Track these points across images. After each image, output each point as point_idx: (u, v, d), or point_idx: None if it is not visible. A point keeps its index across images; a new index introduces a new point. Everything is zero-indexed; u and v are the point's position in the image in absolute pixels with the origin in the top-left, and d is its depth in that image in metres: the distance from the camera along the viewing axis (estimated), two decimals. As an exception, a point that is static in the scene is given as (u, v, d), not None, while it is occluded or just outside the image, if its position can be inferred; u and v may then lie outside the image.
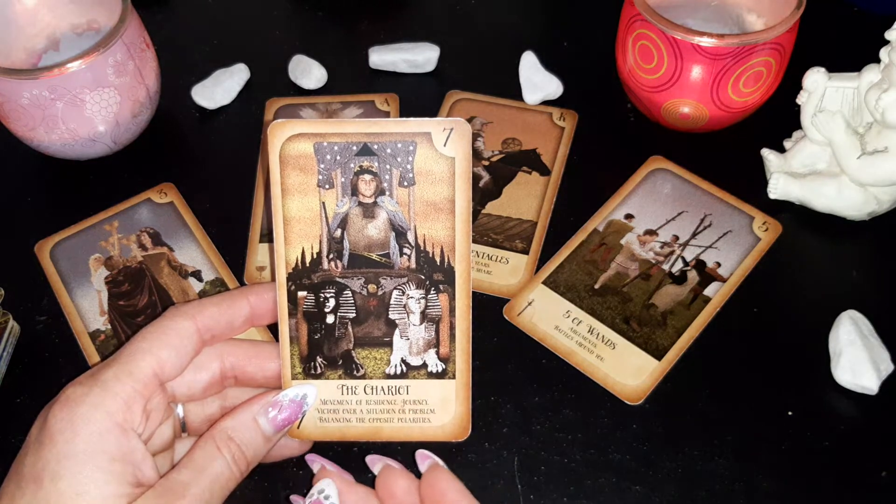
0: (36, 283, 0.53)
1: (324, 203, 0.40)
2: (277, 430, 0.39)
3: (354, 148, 0.39)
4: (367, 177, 0.39)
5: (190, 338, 0.39)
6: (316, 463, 0.42)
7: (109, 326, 0.51)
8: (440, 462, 0.41)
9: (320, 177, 0.39)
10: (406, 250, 0.40)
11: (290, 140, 0.39)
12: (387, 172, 0.39)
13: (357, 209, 0.40)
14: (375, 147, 0.39)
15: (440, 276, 0.40)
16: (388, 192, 0.40)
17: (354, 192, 0.40)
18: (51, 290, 0.52)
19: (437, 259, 0.40)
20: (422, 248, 0.40)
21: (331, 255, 0.40)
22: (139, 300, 0.52)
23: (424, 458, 0.41)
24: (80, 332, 0.51)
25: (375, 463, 0.42)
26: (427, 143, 0.39)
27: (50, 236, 0.55)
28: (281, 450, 0.42)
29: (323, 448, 0.44)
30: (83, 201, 0.57)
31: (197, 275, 0.53)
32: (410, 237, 0.40)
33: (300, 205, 0.40)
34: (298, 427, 0.41)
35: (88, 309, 0.52)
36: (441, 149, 0.39)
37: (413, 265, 0.40)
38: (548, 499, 0.44)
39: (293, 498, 0.42)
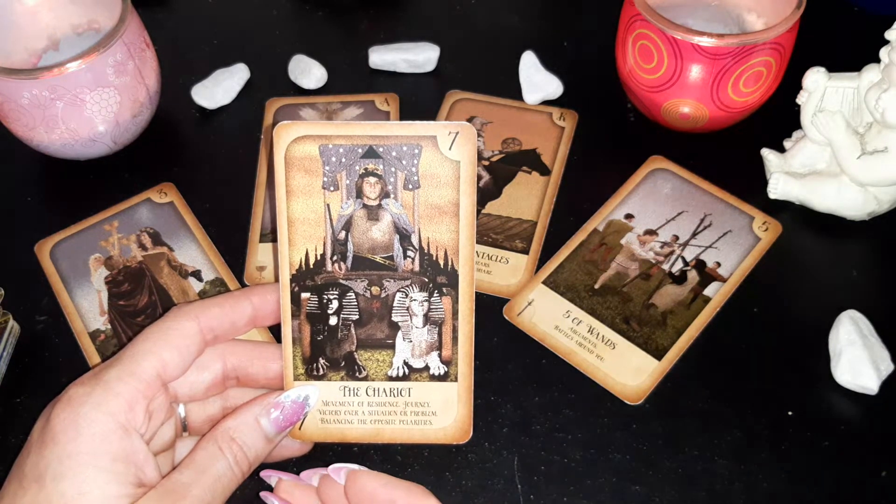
0: (36, 283, 0.53)
1: (328, 205, 0.40)
2: (279, 430, 0.39)
3: (360, 150, 0.39)
4: (372, 179, 0.39)
5: (193, 338, 0.39)
6: (273, 477, 0.41)
7: (109, 326, 0.51)
8: (355, 467, 0.39)
9: (325, 179, 0.39)
10: (410, 253, 0.40)
11: (295, 142, 0.39)
12: (392, 175, 0.39)
13: (361, 211, 0.40)
14: (381, 150, 0.39)
15: (443, 279, 0.40)
16: (392, 195, 0.40)
17: (359, 194, 0.40)
18: (51, 290, 0.52)
19: (441, 262, 0.40)
20: (425, 251, 0.40)
21: (334, 257, 0.40)
22: (139, 300, 0.52)
23: (338, 471, 0.39)
24: (80, 332, 0.51)
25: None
26: (432, 146, 0.39)
27: (50, 236, 0.55)
28: (282, 451, 0.42)
29: (324, 449, 0.44)
30: (83, 201, 0.57)
31: (197, 275, 0.53)
32: (414, 240, 0.40)
33: (304, 206, 0.40)
34: (300, 428, 0.41)
35: (88, 309, 0.52)
36: (446, 152, 0.39)
37: (416, 268, 0.40)
38: (548, 499, 0.44)
39: (263, 494, 0.41)
